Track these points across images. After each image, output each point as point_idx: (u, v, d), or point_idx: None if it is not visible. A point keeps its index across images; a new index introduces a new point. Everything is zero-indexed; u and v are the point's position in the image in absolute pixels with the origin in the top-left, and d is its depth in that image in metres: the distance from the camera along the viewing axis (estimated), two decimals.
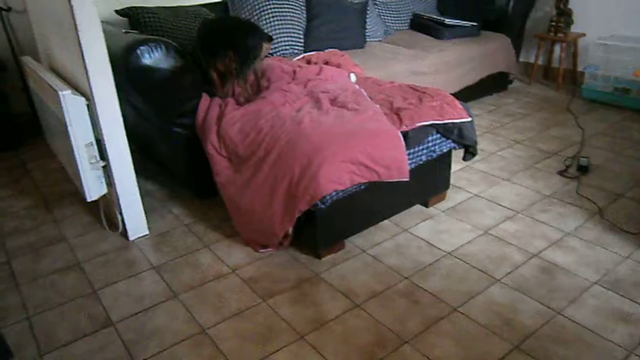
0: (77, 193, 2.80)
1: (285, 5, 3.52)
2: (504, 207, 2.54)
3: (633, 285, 1.96)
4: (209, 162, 2.37)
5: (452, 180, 2.70)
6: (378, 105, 2.35)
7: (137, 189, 2.32)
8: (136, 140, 2.75)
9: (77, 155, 2.14)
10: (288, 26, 3.51)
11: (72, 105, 2.08)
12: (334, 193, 2.01)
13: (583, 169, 2.84)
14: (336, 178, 1.97)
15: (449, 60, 3.63)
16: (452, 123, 2.33)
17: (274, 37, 3.42)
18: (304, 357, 1.69)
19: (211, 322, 1.86)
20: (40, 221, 2.58)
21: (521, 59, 4.56)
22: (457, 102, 2.42)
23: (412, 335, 1.77)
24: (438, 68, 3.58)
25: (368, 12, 3.87)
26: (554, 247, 2.21)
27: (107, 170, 2.25)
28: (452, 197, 2.64)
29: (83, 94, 2.16)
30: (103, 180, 2.26)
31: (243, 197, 2.21)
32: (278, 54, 3.46)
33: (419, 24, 4.15)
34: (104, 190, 2.28)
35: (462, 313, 1.86)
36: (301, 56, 3.22)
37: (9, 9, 3.42)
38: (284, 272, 2.11)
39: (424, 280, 2.03)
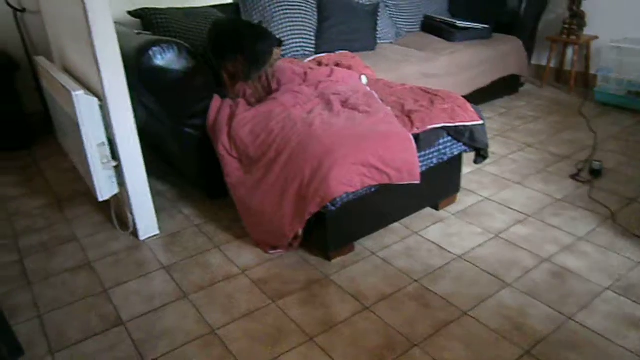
0: (88, 193, 2.81)
1: (297, 7, 3.53)
2: (515, 210, 2.52)
3: None
4: (219, 163, 2.38)
5: (462, 183, 2.69)
6: (389, 108, 2.35)
7: (148, 189, 2.33)
8: (147, 140, 2.76)
9: (89, 155, 2.16)
10: (299, 28, 3.52)
11: (84, 106, 2.10)
12: (344, 195, 2.00)
13: (595, 173, 2.81)
14: (347, 180, 1.96)
15: (460, 62, 3.62)
16: (464, 126, 2.32)
17: (285, 38, 3.43)
18: (313, 359, 1.69)
19: (221, 323, 1.86)
20: (53, 220, 2.60)
21: (533, 62, 4.53)
22: (468, 105, 2.41)
23: (422, 338, 1.76)
24: (449, 70, 3.57)
25: (379, 13, 3.86)
26: (566, 251, 2.20)
27: (118, 170, 2.26)
28: (463, 200, 2.63)
29: (95, 94, 2.17)
30: (114, 180, 2.27)
31: (253, 198, 2.21)
32: (289, 55, 3.46)
33: (430, 26, 4.14)
34: (115, 190, 2.29)
35: (472, 317, 1.85)
36: (312, 58, 3.23)
37: (23, 10, 3.46)
38: (293, 273, 2.12)
39: (434, 284, 2.03)
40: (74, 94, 2.07)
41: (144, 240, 2.39)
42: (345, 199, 2.03)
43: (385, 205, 2.27)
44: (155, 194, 2.72)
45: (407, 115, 2.28)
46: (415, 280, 2.05)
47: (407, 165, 2.11)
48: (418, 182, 2.16)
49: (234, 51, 2.50)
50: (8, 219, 2.63)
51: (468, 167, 2.93)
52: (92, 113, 2.13)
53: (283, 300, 1.97)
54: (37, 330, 1.87)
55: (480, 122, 2.39)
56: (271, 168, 2.15)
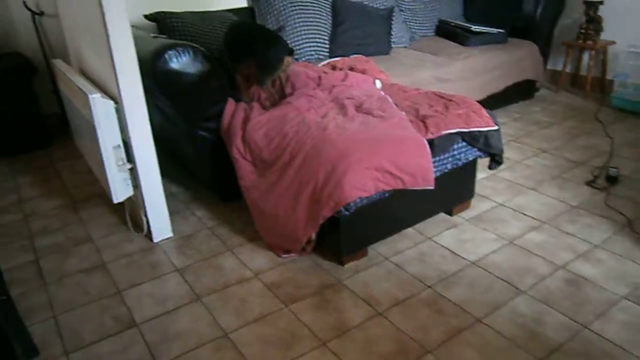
0: (103, 194, 2.84)
1: (311, 11, 3.54)
2: (530, 217, 2.50)
3: None
4: (233, 166, 2.39)
5: (476, 189, 2.67)
6: (404, 112, 2.34)
7: (162, 191, 2.35)
8: (162, 143, 2.78)
9: (104, 158, 2.18)
10: (313, 32, 3.52)
11: (101, 108, 2.12)
12: (358, 200, 2.00)
13: (612, 180, 2.78)
14: (361, 185, 1.96)
15: (474, 67, 3.60)
16: (479, 131, 2.31)
17: (299, 42, 3.44)
18: None
19: (233, 326, 1.87)
20: (68, 221, 2.62)
21: (548, 67, 4.49)
22: (483, 110, 2.39)
23: (435, 345, 1.75)
24: (464, 75, 3.55)
25: (394, 18, 3.86)
26: (581, 259, 2.17)
27: (133, 173, 2.28)
28: (477, 205, 2.61)
29: (112, 97, 2.19)
30: (129, 182, 2.29)
31: (267, 202, 2.22)
32: (303, 59, 3.47)
33: (444, 31, 4.13)
34: (130, 192, 2.31)
35: (486, 324, 1.83)
36: (326, 62, 3.23)
37: (41, 13, 3.51)
38: (306, 277, 2.11)
39: (447, 290, 2.01)
40: (90, 97, 2.09)
41: (157, 242, 2.40)
42: (359, 203, 2.02)
43: (398, 210, 2.26)
44: (168, 196, 2.74)
45: (421, 120, 2.27)
46: (429, 286, 2.04)
47: (422, 171, 2.10)
48: (432, 187, 2.15)
49: (247, 55, 2.52)
50: (24, 219, 2.66)
51: (482, 172, 2.91)
52: (108, 116, 2.15)
53: (296, 304, 1.97)
54: (52, 330, 1.89)
55: (495, 127, 2.37)
56: (285, 172, 2.15)
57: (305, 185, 2.06)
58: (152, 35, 2.81)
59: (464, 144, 2.32)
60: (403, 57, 3.61)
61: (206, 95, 2.47)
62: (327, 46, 3.60)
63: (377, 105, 2.40)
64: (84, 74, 2.72)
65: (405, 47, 3.95)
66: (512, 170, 2.99)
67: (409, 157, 2.07)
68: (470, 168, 2.47)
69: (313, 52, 3.53)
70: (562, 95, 4.29)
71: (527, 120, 3.76)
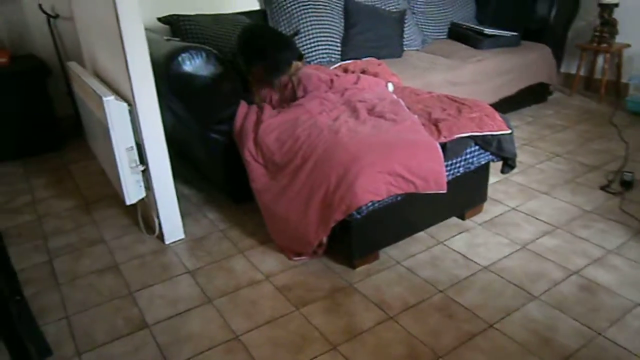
0: (115, 195, 2.86)
1: (323, 14, 3.54)
2: (543, 221, 2.48)
3: None
4: (245, 168, 2.40)
5: (489, 193, 2.65)
6: (416, 116, 2.34)
7: (174, 193, 2.36)
8: (174, 145, 2.80)
9: (117, 159, 2.19)
10: (325, 34, 3.52)
11: (114, 111, 2.13)
12: (369, 203, 1.99)
13: (627, 185, 2.75)
14: (373, 188, 1.96)
15: (487, 70, 3.58)
16: (492, 135, 2.30)
17: (311, 44, 3.44)
18: None
19: (244, 329, 1.87)
20: (81, 222, 2.64)
21: (562, 70, 4.45)
22: (496, 114, 2.38)
23: (446, 350, 1.74)
24: (476, 78, 3.53)
25: (406, 20, 3.85)
26: (595, 264, 2.15)
27: (146, 175, 2.29)
28: (489, 210, 2.59)
29: (125, 100, 2.21)
30: (142, 184, 2.30)
31: (278, 205, 2.22)
32: (315, 62, 3.47)
33: (457, 33, 4.11)
34: (142, 194, 2.33)
35: (498, 330, 1.82)
36: (338, 64, 3.23)
37: (56, 16, 3.54)
38: (317, 281, 2.11)
39: (459, 295, 2.00)
40: (104, 99, 2.11)
41: (169, 244, 2.41)
42: (371, 207, 2.02)
43: (410, 213, 2.26)
44: (180, 198, 2.75)
45: (434, 124, 2.26)
46: (440, 291, 2.03)
47: (434, 175, 2.09)
48: (444, 191, 2.14)
49: (257, 57, 2.53)
50: (38, 220, 2.68)
51: (495, 176, 2.89)
52: (122, 118, 2.16)
53: (306, 307, 1.97)
54: (64, 331, 1.90)
55: (509, 131, 2.36)
56: (297, 175, 2.16)
57: (317, 189, 2.05)
58: (165, 38, 2.83)
59: (477, 147, 2.31)
60: (415, 60, 3.60)
61: (219, 98, 2.48)
62: (339, 49, 3.60)
63: (390, 109, 2.39)
64: (98, 76, 2.75)
65: (417, 50, 3.94)
66: (525, 174, 2.96)
67: (421, 160, 2.06)
68: (482, 172, 2.45)
69: (325, 55, 3.53)
70: (576, 99, 4.25)
71: (540, 124, 3.73)
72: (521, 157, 3.15)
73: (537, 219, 2.50)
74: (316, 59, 3.49)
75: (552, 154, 3.22)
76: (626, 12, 4.00)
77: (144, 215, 2.55)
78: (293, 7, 3.46)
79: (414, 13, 4.07)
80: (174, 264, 2.27)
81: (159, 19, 3.16)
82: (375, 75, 2.98)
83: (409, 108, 2.44)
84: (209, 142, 2.52)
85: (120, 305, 2.03)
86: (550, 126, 3.68)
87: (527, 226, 2.44)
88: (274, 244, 2.34)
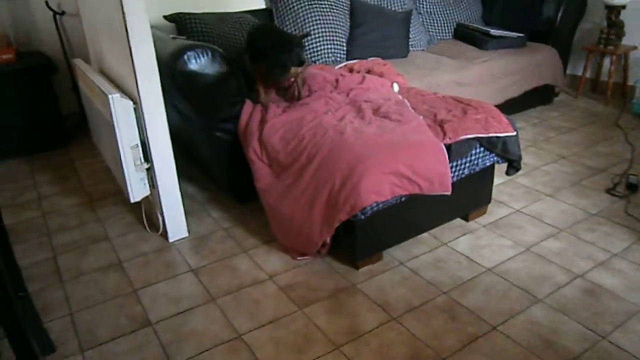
0: (119, 193, 2.86)
1: (329, 13, 3.53)
2: (547, 224, 2.47)
3: None
4: (249, 168, 2.39)
5: (493, 195, 2.65)
6: (421, 117, 2.33)
7: (179, 191, 2.36)
8: (179, 143, 2.80)
9: (122, 157, 2.19)
10: (331, 34, 3.52)
11: (120, 108, 2.14)
12: (374, 204, 1.99)
13: (632, 188, 2.74)
14: (377, 189, 1.95)
15: (493, 71, 3.57)
16: (497, 137, 2.29)
17: (316, 44, 3.44)
18: None
19: (247, 328, 1.87)
20: (85, 219, 2.65)
21: (568, 72, 4.43)
22: (502, 115, 2.37)
23: (449, 352, 1.73)
24: (482, 79, 3.52)
25: (412, 21, 3.84)
26: (600, 268, 2.14)
27: (150, 173, 2.30)
28: (494, 211, 2.58)
29: (130, 97, 2.21)
30: (146, 182, 2.31)
31: (283, 204, 2.22)
32: (320, 61, 3.47)
33: (463, 34, 4.10)
34: (147, 191, 2.33)
35: (501, 332, 1.81)
36: (344, 64, 3.22)
37: (62, 13, 3.55)
38: (320, 281, 2.11)
39: (462, 296, 2.00)
40: (110, 96, 2.11)
41: (173, 242, 2.41)
42: (375, 207, 2.02)
43: (414, 215, 2.25)
44: (185, 196, 2.75)
45: (439, 125, 2.25)
46: (444, 292, 2.02)
47: (439, 176, 2.09)
48: (449, 193, 2.13)
49: (259, 56, 2.53)
50: (43, 216, 2.69)
51: (499, 178, 2.88)
52: (127, 115, 2.16)
53: (310, 307, 1.96)
54: (68, 328, 1.91)
55: (514, 133, 2.35)
56: (301, 175, 2.15)
57: (322, 189, 2.05)
58: (171, 36, 2.83)
59: (482, 149, 2.30)
60: (421, 61, 3.59)
61: (224, 97, 2.48)
62: (344, 48, 3.59)
63: (395, 109, 2.39)
64: (104, 73, 2.75)
65: (423, 50, 3.93)
66: (530, 176, 2.95)
67: (426, 162, 2.05)
68: (487, 174, 2.44)
69: (330, 54, 3.52)
70: (582, 101, 4.23)
71: (545, 126, 3.72)
72: (526, 159, 3.14)
73: (541, 221, 2.49)
74: (321, 58, 3.49)
75: (557, 156, 3.21)
76: (633, 14, 3.98)
77: (148, 213, 2.56)
78: (299, 6, 3.45)
79: (420, 13, 4.06)
80: (177, 262, 2.27)
81: (165, 17, 3.16)
82: (381, 75, 2.97)
83: (414, 109, 2.44)
84: (213, 140, 2.52)
85: (124, 303, 2.03)
86: (555, 128, 3.67)
87: (532, 228, 2.44)
88: (278, 243, 2.34)
